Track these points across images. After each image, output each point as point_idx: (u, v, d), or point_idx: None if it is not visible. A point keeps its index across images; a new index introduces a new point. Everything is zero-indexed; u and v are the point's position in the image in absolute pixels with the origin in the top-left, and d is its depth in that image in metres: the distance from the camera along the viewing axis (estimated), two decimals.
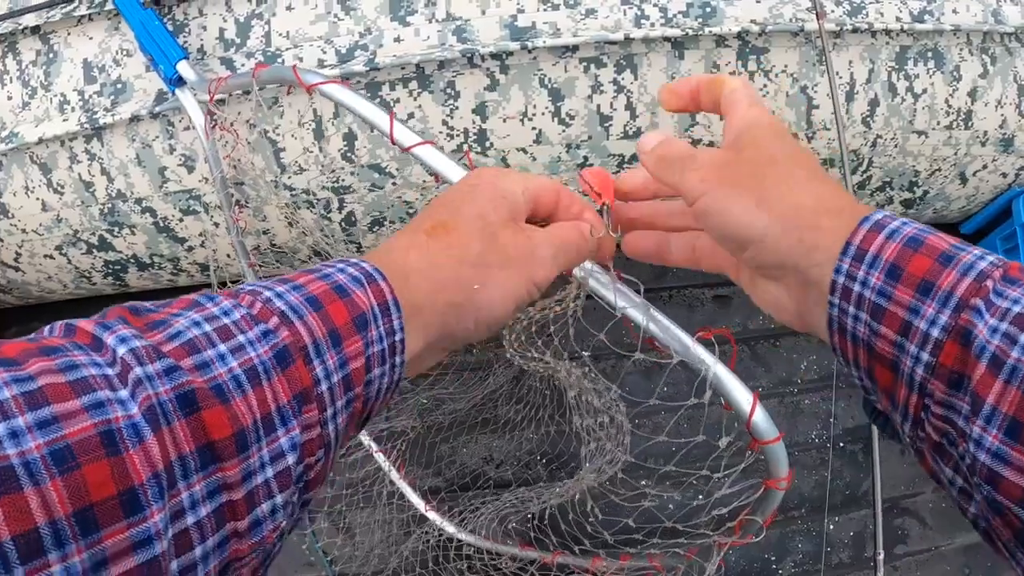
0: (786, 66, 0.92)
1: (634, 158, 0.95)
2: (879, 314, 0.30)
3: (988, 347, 0.27)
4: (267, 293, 0.29)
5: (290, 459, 0.27)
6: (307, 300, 0.29)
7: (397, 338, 0.32)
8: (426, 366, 0.38)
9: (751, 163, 0.36)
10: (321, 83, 0.61)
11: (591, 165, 0.95)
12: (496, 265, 0.36)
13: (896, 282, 0.30)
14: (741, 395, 0.44)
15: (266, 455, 0.26)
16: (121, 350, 0.24)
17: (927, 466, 0.32)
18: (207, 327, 0.26)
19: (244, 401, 0.25)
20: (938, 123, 0.98)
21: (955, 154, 1.02)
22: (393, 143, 0.54)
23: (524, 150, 0.93)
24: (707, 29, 0.87)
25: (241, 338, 0.27)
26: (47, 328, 0.26)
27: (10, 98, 0.97)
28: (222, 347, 0.26)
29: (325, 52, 0.89)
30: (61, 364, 0.22)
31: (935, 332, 0.28)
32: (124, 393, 0.23)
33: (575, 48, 0.89)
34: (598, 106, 0.91)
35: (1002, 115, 1.00)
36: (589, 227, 0.41)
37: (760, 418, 0.45)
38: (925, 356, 0.29)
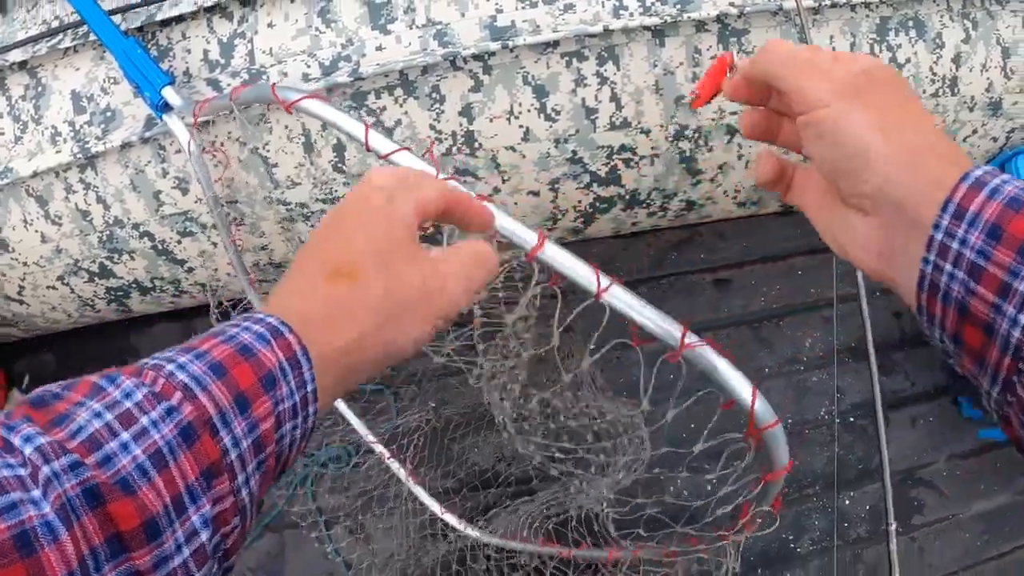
0: None
1: (623, 148, 0.96)
2: (977, 274, 0.30)
3: None
4: (169, 367, 0.29)
5: (204, 536, 0.27)
6: (211, 368, 0.29)
7: (309, 389, 0.32)
8: (342, 395, 0.38)
9: (883, 86, 0.35)
10: (298, 100, 0.62)
11: (581, 159, 0.96)
12: (399, 309, 0.35)
13: (997, 242, 0.29)
14: (738, 382, 0.45)
15: (180, 536, 0.26)
16: (28, 450, 0.24)
17: (1012, 432, 0.31)
18: (108, 416, 0.26)
19: (151, 488, 0.26)
20: (924, 92, 0.98)
21: (943, 121, 1.02)
22: (369, 150, 0.55)
23: (513, 148, 0.94)
24: (686, 15, 0.88)
25: (144, 420, 0.27)
26: None
27: (2, 133, 0.98)
28: (124, 436, 0.26)
29: (309, 66, 0.90)
30: None
31: None
32: (36, 493, 0.23)
33: (556, 44, 0.89)
34: (583, 99, 0.91)
35: (988, 79, 1.00)
36: (494, 244, 0.41)
37: (759, 406, 0.46)
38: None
